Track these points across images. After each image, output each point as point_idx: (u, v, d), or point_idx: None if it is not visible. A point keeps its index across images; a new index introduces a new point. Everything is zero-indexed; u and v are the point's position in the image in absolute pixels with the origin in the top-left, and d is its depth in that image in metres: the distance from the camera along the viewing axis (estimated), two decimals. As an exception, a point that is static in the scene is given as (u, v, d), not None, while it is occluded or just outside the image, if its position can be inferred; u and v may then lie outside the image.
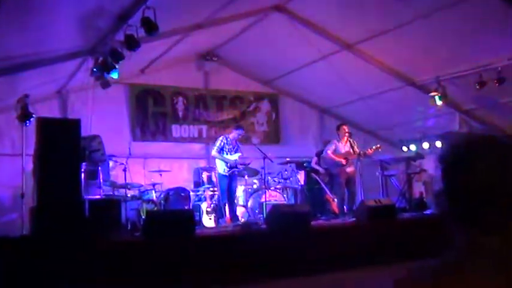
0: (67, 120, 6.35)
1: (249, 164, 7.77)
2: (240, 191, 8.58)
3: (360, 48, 8.27)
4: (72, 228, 4.63)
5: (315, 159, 9.01)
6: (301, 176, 9.29)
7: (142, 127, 9.47)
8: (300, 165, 9.39)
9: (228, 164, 7.53)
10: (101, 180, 7.05)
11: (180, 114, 9.90)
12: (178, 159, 9.55)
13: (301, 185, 9.16)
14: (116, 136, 8.56)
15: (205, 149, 9.88)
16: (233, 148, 7.71)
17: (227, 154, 7.61)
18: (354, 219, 6.77)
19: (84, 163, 6.13)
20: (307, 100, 11.00)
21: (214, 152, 7.61)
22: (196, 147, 9.97)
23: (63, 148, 4.93)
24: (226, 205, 7.70)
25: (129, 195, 7.70)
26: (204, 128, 10.06)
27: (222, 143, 7.62)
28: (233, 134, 7.77)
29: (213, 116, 10.18)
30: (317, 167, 8.83)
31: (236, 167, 7.60)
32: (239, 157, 7.64)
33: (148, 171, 8.49)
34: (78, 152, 5.16)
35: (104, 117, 8.51)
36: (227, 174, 7.50)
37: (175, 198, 8.18)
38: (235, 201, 7.99)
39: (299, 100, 11.00)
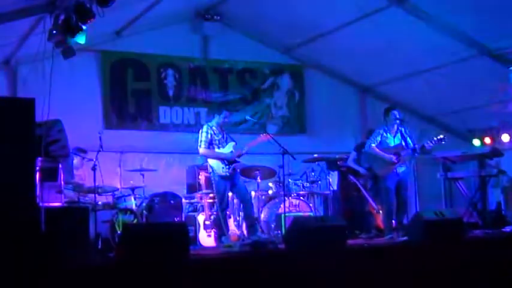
0: (16, 100, 6.31)
1: (242, 154, 7.67)
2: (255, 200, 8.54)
3: (415, 3, 8.18)
4: (22, 248, 4.62)
5: (353, 155, 8.91)
6: (333, 179, 9.25)
7: (119, 110, 9.53)
8: (332, 164, 9.35)
9: (225, 160, 7.45)
10: (62, 182, 7.05)
11: (170, 92, 9.95)
12: (167, 155, 9.60)
13: (334, 191, 9.12)
14: (82, 122, 8.60)
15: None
16: (223, 138, 7.64)
17: (219, 148, 7.53)
18: (406, 238, 6.73)
19: (39, 158, 6.13)
20: (343, 75, 10.94)
21: (202, 149, 7.49)
22: (192, 138, 9.78)
23: (10, 138, 4.86)
24: (241, 215, 7.74)
25: (99, 202, 7.71)
26: (203, 111, 10.08)
27: (209, 135, 7.51)
28: (216, 120, 7.66)
29: (215, 95, 10.22)
30: (356, 167, 8.74)
31: (236, 161, 7.55)
32: (234, 148, 7.56)
33: (126, 170, 8.51)
34: (32, 143, 5.09)
35: (67, 97, 8.55)
36: (228, 173, 7.43)
37: (162, 208, 8.21)
38: (252, 213, 7.90)
39: (331, 75, 10.96)
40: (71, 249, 5.24)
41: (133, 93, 9.67)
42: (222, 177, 7.40)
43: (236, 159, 7.48)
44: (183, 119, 9.95)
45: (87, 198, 7.77)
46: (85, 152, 8.15)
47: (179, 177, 9.26)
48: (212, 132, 7.49)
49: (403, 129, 7.80)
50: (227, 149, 7.48)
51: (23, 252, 4.66)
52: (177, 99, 9.97)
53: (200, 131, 7.57)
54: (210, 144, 7.46)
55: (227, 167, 7.39)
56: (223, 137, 7.58)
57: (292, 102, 10.85)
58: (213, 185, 7.50)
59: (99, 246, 6.85)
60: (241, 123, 9.65)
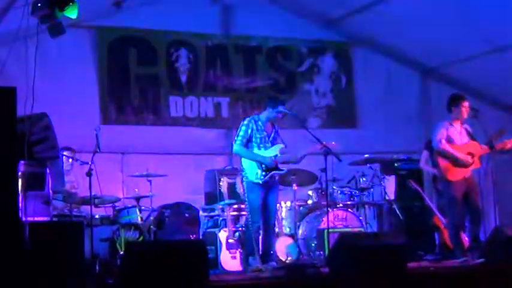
0: (-6, 90, 6.40)
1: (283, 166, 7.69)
2: (284, 211, 8.56)
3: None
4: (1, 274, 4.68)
5: (425, 155, 8.80)
6: (389, 185, 9.18)
7: (120, 101, 9.60)
8: (388, 167, 9.30)
9: (263, 165, 7.48)
10: (50, 191, 7.12)
11: (183, 78, 10.01)
12: (180, 156, 9.65)
13: (390, 200, 9.06)
14: (74, 116, 8.69)
15: (227, 138, 9.95)
16: (269, 137, 7.64)
17: (260, 148, 7.56)
18: (482, 259, 6.68)
19: (21, 162, 6.19)
20: (401, 53, 10.89)
21: (236, 146, 7.55)
22: (211, 135, 10.05)
23: (-14, 136, 4.98)
24: (261, 233, 7.71)
25: (97, 215, 7.77)
26: (225, 102, 10.14)
27: (250, 130, 7.54)
28: (267, 114, 7.70)
29: (240, 81, 10.27)
30: (430, 169, 8.65)
31: (277, 169, 7.56)
32: (281, 151, 7.58)
33: (129, 175, 8.57)
34: (12, 142, 5.17)
35: (55, 85, 8.63)
36: (262, 181, 7.46)
37: (174, 222, 8.25)
38: (276, 227, 7.98)
39: (386, 53, 10.92)
40: (61, 276, 5.29)
41: (137, 79, 9.73)
42: (253, 183, 7.44)
43: (279, 166, 7.52)
44: (199, 111, 9.99)
45: (81, 211, 7.83)
46: (75, 152, 8.24)
47: (195, 184, 9.29)
48: (254, 128, 7.53)
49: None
50: (270, 152, 7.50)
51: (2, 282, 4.73)
52: (191, 87, 10.01)
53: (241, 123, 7.66)
54: (248, 141, 7.52)
55: (263, 173, 7.41)
56: (268, 136, 7.61)
57: (338, 89, 10.83)
58: (244, 193, 7.59)
59: (97, 271, 6.85)
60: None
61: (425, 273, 6.18)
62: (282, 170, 7.57)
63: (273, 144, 7.60)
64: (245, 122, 7.59)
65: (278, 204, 8.18)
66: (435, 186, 8.69)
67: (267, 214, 7.59)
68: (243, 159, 7.55)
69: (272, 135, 7.65)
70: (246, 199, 7.50)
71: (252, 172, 7.44)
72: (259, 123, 7.59)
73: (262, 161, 7.44)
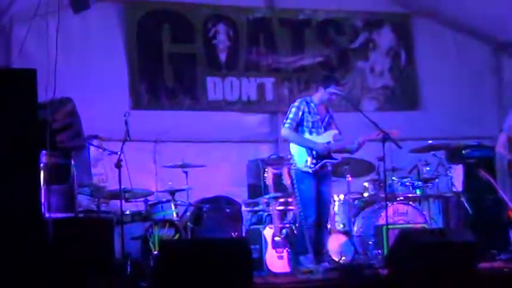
0: (11, 72, 6.44)
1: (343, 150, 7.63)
2: (336, 205, 8.54)
3: None
4: (24, 278, 4.72)
5: (503, 138, 8.66)
6: (457, 175, 9.07)
7: (152, 83, 9.66)
8: (455, 154, 9.20)
9: (314, 152, 7.47)
10: (76, 185, 7.21)
11: (223, 57, 10.04)
12: (220, 145, 9.72)
13: (458, 193, 8.95)
14: (102, 101, 8.78)
15: (271, 123, 9.99)
16: (322, 122, 7.62)
17: (311, 133, 7.54)
18: None
19: (43, 152, 6.25)
20: (471, 26, 10.76)
21: (285, 130, 7.56)
22: (254, 120, 10.12)
23: (3, 124, 4.99)
24: (313, 229, 7.70)
25: (127, 211, 7.82)
26: (269, 82, 10.16)
27: (301, 113, 7.54)
28: (320, 95, 7.67)
29: (286, 59, 10.25)
30: (506, 154, 8.51)
31: (330, 157, 7.54)
32: (335, 138, 7.54)
33: (163, 166, 8.63)
34: (34, 130, 5.22)
35: (80, 67, 8.75)
36: (312, 170, 7.45)
37: (214, 218, 8.31)
38: (328, 223, 7.95)
39: (453, 26, 10.82)
40: (89, 277, 5.35)
41: (171, 59, 9.78)
42: (303, 173, 7.44)
43: (332, 154, 7.48)
44: (240, 94, 10.01)
45: (110, 207, 7.92)
46: (103, 141, 8.34)
47: (237, 176, 9.37)
48: (306, 111, 7.54)
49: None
50: (322, 138, 7.48)
51: (25, 284, 4.78)
52: (231, 66, 10.04)
53: (291, 105, 7.66)
54: (298, 125, 7.53)
55: (314, 161, 7.41)
56: (322, 120, 7.60)
57: (397, 67, 10.76)
58: (292, 184, 7.59)
59: (128, 272, 6.90)
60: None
61: (498, 275, 6.11)
62: (335, 159, 7.55)
63: (326, 129, 7.59)
64: (296, 104, 7.60)
65: (332, 197, 8.17)
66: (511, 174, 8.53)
67: (319, 208, 7.57)
68: (291, 145, 7.55)
69: (326, 119, 7.64)
70: (295, 191, 7.50)
71: (301, 159, 7.44)
72: (312, 105, 7.58)
73: (313, 147, 7.42)
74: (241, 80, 10.04)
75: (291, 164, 7.56)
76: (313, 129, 7.52)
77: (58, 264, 5.23)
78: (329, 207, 7.89)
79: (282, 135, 7.74)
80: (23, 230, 4.94)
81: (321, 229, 7.61)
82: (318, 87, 7.72)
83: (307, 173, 7.43)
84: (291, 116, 7.54)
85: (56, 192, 7.02)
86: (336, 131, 7.61)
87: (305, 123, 7.52)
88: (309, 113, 7.54)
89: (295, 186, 7.56)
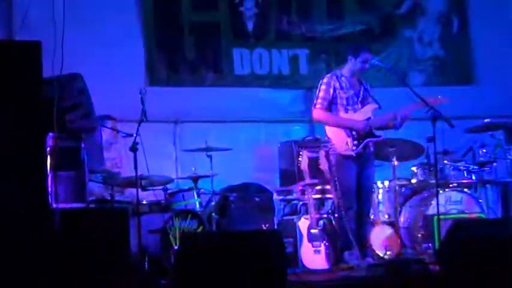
0: (13, 45, 6.45)
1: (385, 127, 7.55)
2: (380, 193, 8.52)
3: None
4: (25, 272, 4.71)
5: None
6: (519, 158, 9.00)
7: (171, 56, 9.68)
8: (517, 133, 9.09)
9: (354, 132, 7.41)
10: (86, 171, 7.22)
11: (250, 25, 10.03)
12: (248, 125, 9.76)
13: (519, 177, 8.89)
14: (115, 77, 8.84)
15: (306, 100, 9.93)
16: (357, 96, 7.56)
17: (347, 111, 7.48)
18: None
19: (50, 135, 6.26)
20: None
21: (318, 112, 7.50)
22: (286, 97, 10.11)
23: (4, 103, 4.99)
24: (355, 221, 7.66)
25: (144, 201, 7.88)
26: (303, 54, 10.14)
27: (332, 90, 7.47)
28: (350, 66, 7.60)
29: (322, 27, 10.23)
30: None
31: (373, 135, 7.48)
32: (374, 113, 7.46)
33: (184, 150, 8.67)
34: (39, 110, 5.23)
35: (90, 38, 8.77)
36: (356, 152, 7.40)
37: (241, 208, 8.39)
38: (370, 213, 7.91)
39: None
40: (102, 275, 5.34)
41: (192, 29, 9.78)
42: (344, 157, 7.39)
43: (374, 131, 7.41)
44: (270, 67, 10.00)
45: (125, 196, 7.96)
46: (117, 122, 8.32)
47: (267, 160, 9.39)
48: (338, 86, 7.49)
49: None
50: (360, 115, 7.42)
51: (30, 281, 4.77)
52: (260, 36, 10.03)
53: (319, 82, 7.56)
54: (330, 102, 7.46)
55: (355, 142, 7.36)
56: (357, 95, 7.55)
57: (449, 35, 10.69)
58: (332, 169, 7.55)
59: (146, 269, 6.97)
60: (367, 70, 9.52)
61: None
62: (379, 136, 7.49)
63: (363, 104, 7.55)
64: (324, 80, 7.56)
65: (374, 183, 8.17)
66: None
67: (360, 197, 7.54)
68: (326, 127, 7.51)
69: (361, 93, 7.59)
70: (334, 178, 7.46)
71: (341, 142, 7.41)
72: (343, 79, 7.53)
73: (352, 126, 7.38)
74: (271, 52, 10.03)
75: (329, 148, 7.52)
76: (348, 106, 7.49)
77: (67, 260, 5.20)
78: (372, 195, 7.91)
79: (314, 118, 7.74)
80: (27, 223, 4.95)
81: (362, 220, 7.59)
82: (347, 57, 7.66)
83: (349, 157, 7.38)
84: (321, 94, 7.50)
85: (64, 179, 6.99)
86: (375, 105, 7.57)
87: (338, 101, 7.48)
88: (341, 88, 7.50)
89: (334, 173, 7.53)
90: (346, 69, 7.62)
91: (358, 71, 7.59)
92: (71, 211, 6.32)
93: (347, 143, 7.38)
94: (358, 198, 7.52)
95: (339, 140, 7.42)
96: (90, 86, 6.83)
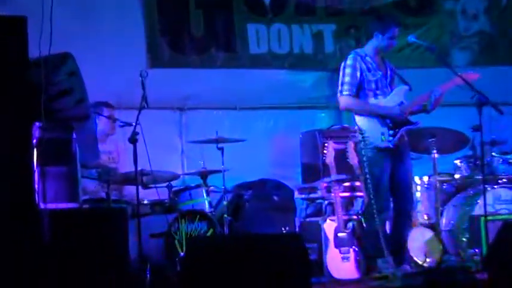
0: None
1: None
2: (419, 190, 8.55)
3: None
4: (12, 282, 4.81)
5: None
6: None
7: (175, 33, 9.69)
8: None
9: (388, 120, 7.42)
10: (79, 166, 7.27)
11: (267, -2, 10.05)
12: (265, 112, 9.82)
13: None
14: (111, 57, 8.90)
15: (332, 83, 9.84)
16: (386, 78, 7.55)
17: (377, 96, 7.47)
18: None
19: (37, 124, 6.34)
20: None
21: (344, 99, 7.44)
22: (310, 80, 10.13)
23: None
24: (391, 223, 7.71)
25: (145, 201, 7.94)
26: (328, 30, 10.16)
27: (359, 72, 7.44)
28: (376, 43, 7.55)
29: (349, -1, 10.25)
30: None
31: (409, 122, 7.47)
32: (405, 95, 7.45)
33: (191, 141, 8.75)
34: (24, 95, 5.31)
35: (83, 14, 8.83)
36: (392, 144, 7.40)
37: (257, 208, 8.45)
38: (411, 213, 7.92)
39: None
40: (97, 284, 5.39)
41: (200, 1, 9.78)
42: (380, 149, 7.42)
43: (408, 118, 7.43)
44: (291, 45, 10.01)
45: (123, 194, 8.05)
46: (114, 109, 8.38)
47: (287, 153, 9.44)
48: (365, 68, 7.47)
49: None
50: (391, 99, 7.45)
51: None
52: (279, 9, 10.03)
53: (342, 65, 7.62)
54: (357, 88, 7.50)
55: (391, 131, 7.40)
56: (385, 76, 7.55)
57: (497, 7, 10.68)
58: (363, 164, 7.57)
59: (147, 279, 6.96)
60: (401, 49, 9.59)
61: None
62: (416, 122, 7.49)
63: (391, 87, 7.56)
64: (349, 62, 7.53)
65: (412, 178, 8.17)
66: None
67: (397, 195, 7.58)
68: (356, 117, 7.51)
69: (388, 74, 7.60)
70: (366, 174, 7.51)
71: (375, 133, 7.39)
72: (368, 59, 7.51)
73: (387, 113, 7.38)
74: (291, 28, 10.03)
75: (361, 140, 7.52)
76: (378, 91, 7.48)
77: (57, 268, 5.25)
78: (411, 192, 7.91)
79: (342, 106, 7.73)
80: (11, 227, 5.03)
81: (400, 221, 7.61)
82: (371, 33, 7.66)
83: (384, 149, 7.40)
84: (347, 79, 7.48)
85: (53, 176, 6.96)
86: (405, 87, 7.56)
87: (366, 85, 7.48)
88: (369, 70, 7.50)
89: (365, 167, 7.54)
90: (369, 48, 7.61)
91: (385, 48, 7.61)
92: (62, 212, 6.28)
93: (382, 133, 7.38)
94: (395, 196, 7.55)
95: (372, 130, 7.39)
96: (82, 68, 6.85)
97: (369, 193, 7.49)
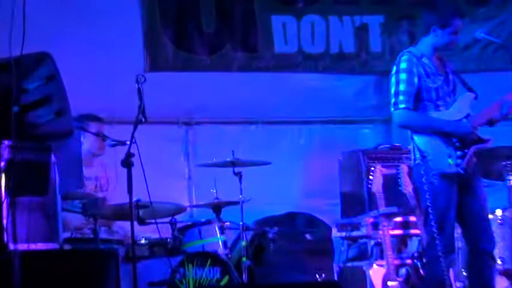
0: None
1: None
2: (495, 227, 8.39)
3: None
4: None
5: None
6: None
7: (181, 29, 9.73)
8: None
9: (455, 139, 7.36)
10: (58, 196, 7.25)
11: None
12: (294, 127, 9.87)
13: None
14: (100, 59, 8.92)
15: (380, 90, 10.00)
16: (447, 84, 7.50)
17: (438, 108, 7.41)
18: None
19: (7, 143, 6.34)
20: None
21: (404, 114, 7.27)
22: (351, 86, 10.17)
23: None
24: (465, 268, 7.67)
25: (143, 240, 7.93)
26: (376, 22, 10.21)
27: (417, 79, 7.39)
28: (435, 40, 7.50)
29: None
30: None
31: (480, 139, 7.41)
32: (471, 105, 7.38)
33: (200, 165, 8.72)
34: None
35: (64, 6, 8.85)
36: (461, 168, 7.34)
37: (285, 250, 8.42)
38: (494, 253, 7.84)
39: None
40: None
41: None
42: (446, 176, 7.34)
43: (478, 134, 7.36)
44: (328, 42, 10.05)
45: (114, 231, 8.05)
46: (103, 124, 8.35)
47: (323, 180, 9.47)
48: (422, 72, 7.41)
49: None
50: (455, 111, 7.37)
51: None
52: (311, -1, 10.15)
53: (394, 69, 7.55)
54: (415, 98, 7.39)
55: (459, 153, 7.31)
56: (446, 82, 7.49)
57: None
58: (422, 194, 7.46)
59: None
60: (467, 48, 9.61)
61: None
62: (488, 140, 7.41)
63: (454, 96, 7.49)
64: (404, 65, 7.35)
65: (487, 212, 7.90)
66: None
67: (472, 231, 7.50)
68: (415, 136, 7.42)
69: (450, 79, 7.53)
70: (429, 207, 7.39)
71: (440, 155, 7.30)
72: (425, 61, 7.41)
73: (454, 130, 7.31)
74: (328, 20, 10.08)
75: (420, 164, 7.43)
76: (439, 101, 7.35)
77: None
78: (490, 227, 7.64)
79: (399, 123, 7.52)
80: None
81: (479, 264, 7.50)
82: (428, 27, 7.57)
83: (452, 176, 7.32)
84: (402, 87, 7.31)
85: (26, 208, 7.06)
86: (471, 94, 7.48)
87: (425, 95, 7.37)
88: (427, 75, 7.35)
89: (426, 199, 7.41)
90: (426, 46, 7.50)
91: (445, 46, 7.54)
92: (37, 255, 6.35)
93: (449, 155, 7.29)
94: (467, 234, 7.49)
95: (436, 151, 7.30)
96: (64, 72, 6.89)
97: (430, 229, 7.38)
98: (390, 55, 9.84)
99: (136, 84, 7.30)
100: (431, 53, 7.36)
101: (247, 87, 9.74)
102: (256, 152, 8.68)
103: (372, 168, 8.25)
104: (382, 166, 8.17)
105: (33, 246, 6.73)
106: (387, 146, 9.05)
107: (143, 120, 7.28)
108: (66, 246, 7.33)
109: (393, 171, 7.97)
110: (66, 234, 7.56)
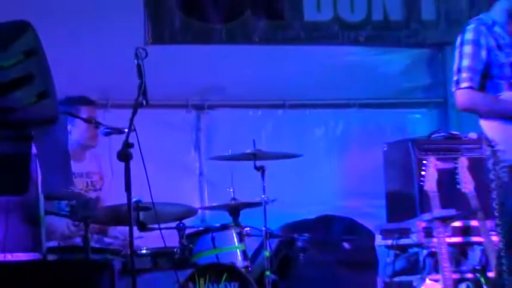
0: None
1: None
2: None
3: None
4: None
5: None
6: None
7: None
8: None
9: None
10: (41, 196, 7.17)
11: None
12: (328, 112, 9.82)
13: None
14: (91, 31, 8.84)
15: (435, 67, 10.01)
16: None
17: (511, 87, 7.31)
18: None
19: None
20: None
21: (466, 95, 7.24)
22: (398, 60, 10.13)
23: None
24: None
25: (144, 249, 7.89)
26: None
27: (485, 52, 7.27)
28: (503, 6, 7.40)
29: None
30: None
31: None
32: None
33: (213, 157, 8.68)
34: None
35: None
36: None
37: (317, 262, 8.37)
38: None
39: None
40: None
41: None
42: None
43: None
44: (369, 9, 9.98)
45: (109, 238, 8.02)
46: (96, 108, 8.31)
47: (364, 176, 9.46)
48: (494, 45, 7.28)
49: None
50: None
51: None
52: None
53: (459, 40, 7.42)
54: (483, 75, 7.26)
55: None
56: None
57: None
58: (491, 193, 7.34)
59: None
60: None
61: None
62: None
63: None
64: (469, 36, 7.26)
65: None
66: None
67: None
68: (482, 120, 7.29)
69: None
70: (495, 207, 7.27)
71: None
72: (498, 30, 7.30)
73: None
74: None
75: (489, 155, 7.30)
76: (513, 79, 7.30)
77: None
78: None
79: (460, 105, 7.41)
80: None
81: None
82: None
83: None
84: (466, 63, 7.23)
85: (3, 210, 7.06)
86: None
87: (496, 71, 7.28)
88: (499, 48, 7.27)
89: (493, 198, 7.31)
90: (498, 12, 7.42)
91: None
92: (15, 267, 6.31)
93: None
94: None
95: (507, 140, 7.22)
96: (50, 48, 6.77)
97: (500, 237, 7.25)
98: (446, 24, 9.87)
99: (136, 60, 7.15)
100: (505, 20, 7.20)
101: (272, 63, 9.71)
102: (283, 142, 8.64)
103: (424, 162, 8.18)
104: (437, 159, 8.10)
105: (9, 257, 6.68)
106: (443, 134, 8.96)
107: (144, 103, 7.14)
108: (51, 257, 7.37)
109: (450, 165, 7.89)
110: (51, 243, 7.58)
